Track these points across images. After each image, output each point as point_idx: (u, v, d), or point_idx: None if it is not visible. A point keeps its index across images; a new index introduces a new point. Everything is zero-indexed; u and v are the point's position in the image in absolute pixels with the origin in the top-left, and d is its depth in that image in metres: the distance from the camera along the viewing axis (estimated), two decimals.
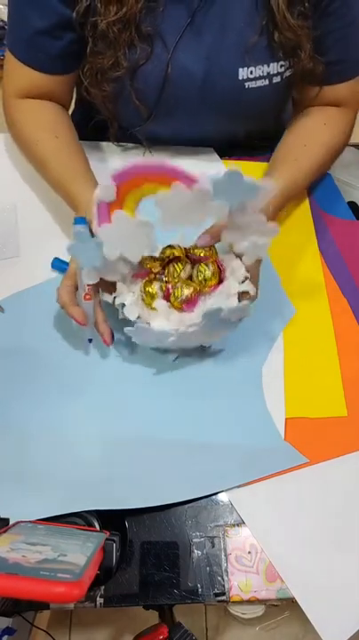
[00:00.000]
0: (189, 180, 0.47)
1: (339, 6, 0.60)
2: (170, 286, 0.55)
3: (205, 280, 0.55)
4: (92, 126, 0.76)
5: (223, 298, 0.55)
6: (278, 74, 0.64)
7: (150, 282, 0.56)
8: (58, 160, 0.65)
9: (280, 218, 0.73)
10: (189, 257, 0.57)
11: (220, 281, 0.56)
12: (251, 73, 0.64)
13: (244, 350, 0.63)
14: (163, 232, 0.50)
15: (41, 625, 1.03)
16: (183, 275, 0.56)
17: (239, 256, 0.55)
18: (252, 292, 0.55)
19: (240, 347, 0.63)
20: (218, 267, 0.56)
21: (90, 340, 0.60)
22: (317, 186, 0.78)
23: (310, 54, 0.61)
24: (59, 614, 1.17)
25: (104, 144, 0.78)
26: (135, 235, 0.49)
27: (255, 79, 0.64)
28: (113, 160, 0.77)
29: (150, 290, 0.55)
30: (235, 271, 0.55)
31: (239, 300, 0.55)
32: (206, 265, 0.55)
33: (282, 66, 0.63)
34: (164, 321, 0.55)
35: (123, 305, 0.56)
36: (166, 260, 0.57)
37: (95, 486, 0.52)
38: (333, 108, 0.71)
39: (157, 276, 0.57)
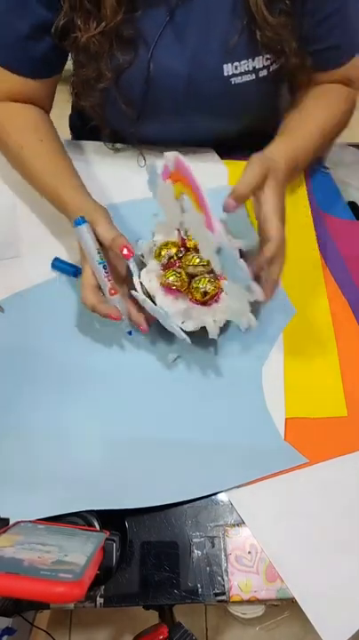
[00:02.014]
0: (209, 218, 0.52)
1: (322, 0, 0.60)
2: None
3: (206, 293, 0.57)
4: (89, 129, 0.76)
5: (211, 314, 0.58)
6: (264, 67, 0.63)
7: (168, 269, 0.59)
8: (44, 165, 0.65)
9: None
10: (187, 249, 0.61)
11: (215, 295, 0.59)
12: (236, 68, 0.63)
13: (244, 350, 0.63)
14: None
15: (41, 625, 1.03)
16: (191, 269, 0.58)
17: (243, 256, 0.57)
18: (260, 297, 0.54)
19: (240, 347, 0.63)
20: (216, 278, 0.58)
21: (130, 333, 0.60)
22: (317, 186, 0.78)
23: (295, 50, 0.61)
24: (59, 614, 1.17)
25: (98, 144, 0.78)
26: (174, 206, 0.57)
27: (241, 74, 0.64)
28: (106, 162, 0.77)
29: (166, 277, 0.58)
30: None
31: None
32: (205, 279, 0.57)
33: (267, 59, 0.63)
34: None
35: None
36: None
37: (95, 486, 0.52)
38: (335, 85, 0.71)
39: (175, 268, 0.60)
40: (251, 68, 0.63)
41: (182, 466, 0.55)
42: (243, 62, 0.63)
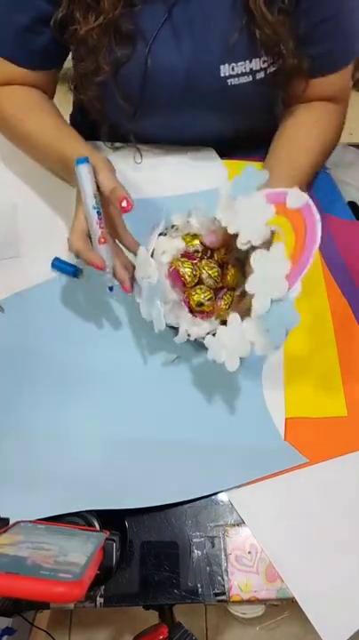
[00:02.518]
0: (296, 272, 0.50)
1: (321, 1, 0.60)
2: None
3: (201, 305, 0.57)
4: (89, 124, 0.76)
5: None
6: (261, 69, 0.64)
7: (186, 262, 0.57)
8: (49, 133, 0.64)
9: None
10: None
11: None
12: (233, 69, 0.63)
13: None
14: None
15: (41, 625, 1.03)
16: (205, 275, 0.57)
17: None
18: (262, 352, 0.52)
19: None
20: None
21: (111, 289, 0.57)
22: (317, 186, 0.78)
23: (293, 51, 0.61)
24: (59, 614, 1.17)
25: (97, 144, 0.78)
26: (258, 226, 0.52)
27: (238, 76, 0.64)
28: None
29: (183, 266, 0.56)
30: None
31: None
32: (209, 293, 0.57)
33: (264, 61, 0.63)
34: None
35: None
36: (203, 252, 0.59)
37: (95, 486, 0.52)
38: (322, 103, 0.70)
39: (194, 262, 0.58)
40: (247, 70, 0.63)
41: (182, 466, 0.55)
42: (240, 64, 0.63)
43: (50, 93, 0.72)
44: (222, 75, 0.64)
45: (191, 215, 0.60)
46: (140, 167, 0.76)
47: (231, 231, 0.53)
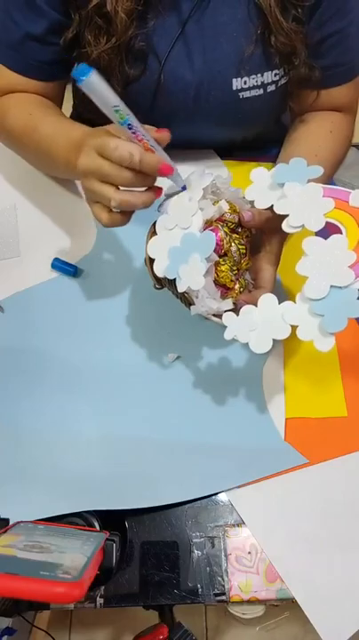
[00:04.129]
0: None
1: (333, 14, 0.60)
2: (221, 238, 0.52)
3: (224, 279, 0.53)
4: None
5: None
6: (273, 82, 0.64)
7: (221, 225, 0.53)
8: (55, 126, 0.59)
9: None
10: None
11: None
12: (245, 83, 0.63)
13: (244, 350, 0.63)
14: None
15: (41, 625, 1.04)
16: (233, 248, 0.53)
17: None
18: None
19: (240, 347, 0.63)
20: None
21: (184, 188, 0.51)
22: None
23: (305, 60, 0.61)
24: (59, 614, 1.17)
25: None
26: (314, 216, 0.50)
27: (249, 89, 0.64)
28: None
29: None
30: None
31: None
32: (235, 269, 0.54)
33: (276, 74, 0.63)
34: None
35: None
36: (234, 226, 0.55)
37: (95, 486, 0.52)
38: (335, 113, 0.70)
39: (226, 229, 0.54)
40: (259, 83, 0.63)
41: (182, 466, 0.55)
42: (252, 77, 0.62)
43: (58, 102, 0.70)
44: (234, 88, 0.63)
45: (249, 192, 0.54)
46: None
47: (278, 211, 0.51)
